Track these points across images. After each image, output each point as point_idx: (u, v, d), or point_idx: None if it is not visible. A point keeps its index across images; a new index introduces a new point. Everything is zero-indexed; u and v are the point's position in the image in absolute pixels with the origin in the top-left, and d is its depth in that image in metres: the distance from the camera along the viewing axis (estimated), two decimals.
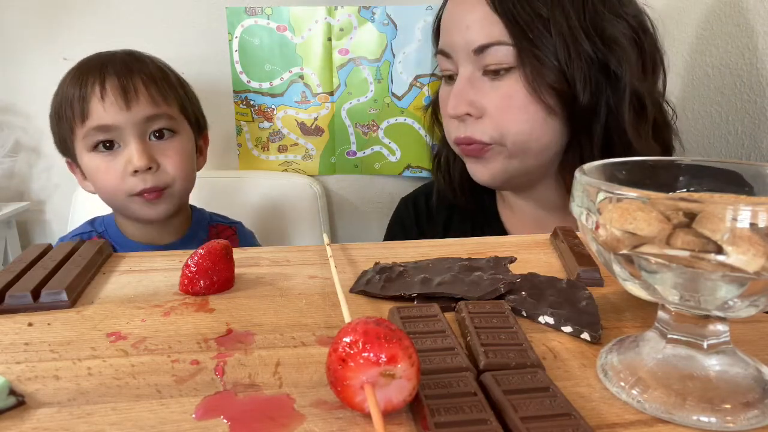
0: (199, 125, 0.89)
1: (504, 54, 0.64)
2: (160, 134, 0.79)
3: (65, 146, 0.82)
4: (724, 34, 0.78)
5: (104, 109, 0.75)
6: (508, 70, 0.65)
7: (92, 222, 0.91)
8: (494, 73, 0.66)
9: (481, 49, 0.65)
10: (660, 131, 0.69)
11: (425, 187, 0.90)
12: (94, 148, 0.78)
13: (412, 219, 0.87)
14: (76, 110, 0.76)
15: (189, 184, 0.85)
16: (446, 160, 0.81)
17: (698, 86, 0.84)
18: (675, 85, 0.89)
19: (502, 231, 0.81)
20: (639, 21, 0.66)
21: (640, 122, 0.65)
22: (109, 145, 0.78)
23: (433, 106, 0.82)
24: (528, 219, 0.78)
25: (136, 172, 0.77)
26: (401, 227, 0.88)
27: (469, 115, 0.68)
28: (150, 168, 0.77)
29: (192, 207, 0.94)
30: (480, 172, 0.71)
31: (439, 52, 0.72)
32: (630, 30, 0.65)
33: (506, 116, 0.66)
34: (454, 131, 0.71)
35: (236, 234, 0.95)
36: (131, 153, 0.77)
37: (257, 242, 1.00)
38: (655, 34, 0.69)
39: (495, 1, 0.64)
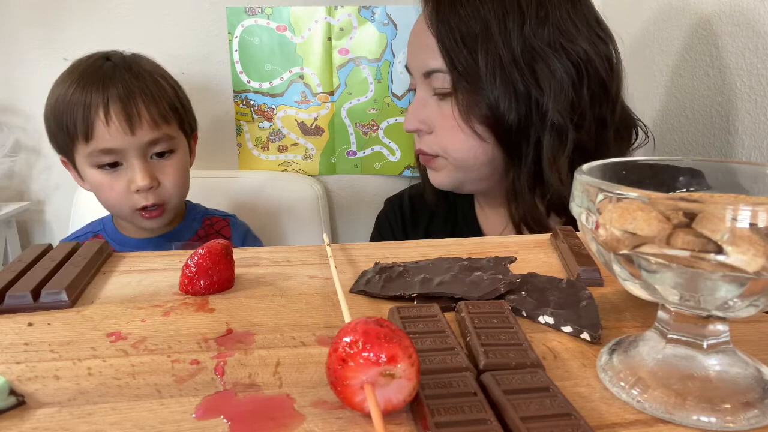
0: (191, 129, 0.92)
1: (443, 80, 0.69)
2: (160, 153, 0.84)
3: (64, 150, 0.85)
4: (724, 34, 0.78)
5: (109, 134, 0.79)
6: (450, 93, 0.69)
7: (92, 223, 0.95)
8: (441, 95, 0.71)
9: (427, 74, 0.71)
10: (591, 158, 0.69)
11: (410, 188, 0.93)
12: (100, 167, 0.82)
13: (398, 219, 0.90)
14: (80, 129, 0.79)
15: (185, 193, 0.90)
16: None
17: (698, 86, 0.84)
18: (675, 85, 0.89)
19: (478, 234, 0.83)
20: (584, 51, 0.66)
21: (558, 153, 0.67)
22: (113, 164, 0.81)
23: None
24: (499, 222, 0.81)
25: (138, 190, 0.81)
26: (388, 227, 0.91)
27: (421, 130, 0.74)
28: (152, 187, 0.82)
29: (187, 201, 0.97)
30: (433, 177, 0.78)
31: (406, 67, 0.78)
32: (568, 61, 0.65)
33: (447, 135, 0.71)
34: (415, 143, 0.78)
35: (229, 225, 0.97)
36: (134, 173, 0.81)
37: (253, 234, 1.01)
38: (613, 60, 0.69)
39: (435, 31, 0.68)
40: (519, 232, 0.73)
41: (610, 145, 0.71)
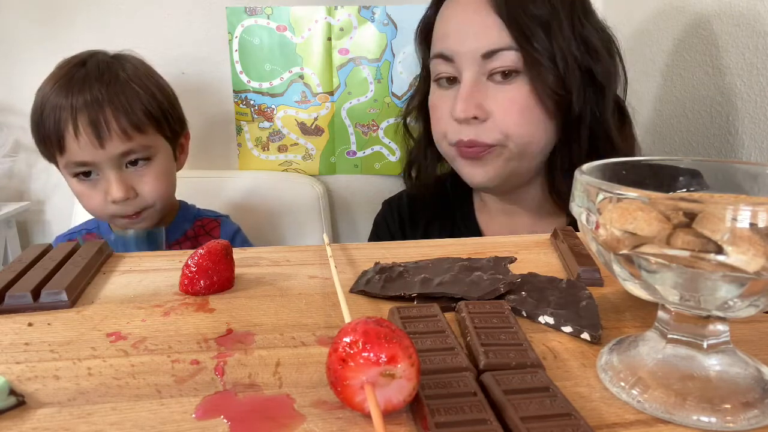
0: (176, 133, 0.90)
1: (512, 59, 0.67)
2: (135, 161, 0.82)
3: (48, 159, 0.85)
4: (724, 34, 0.78)
5: (79, 147, 0.78)
6: (516, 73, 0.68)
7: (88, 221, 0.95)
8: (503, 76, 0.68)
9: (488, 54, 0.67)
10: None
11: (408, 189, 0.92)
12: (76, 175, 0.82)
13: (396, 221, 0.89)
14: (54, 142, 0.79)
15: (169, 198, 0.88)
16: (423, 167, 0.84)
17: (698, 86, 0.84)
18: (675, 85, 0.89)
19: (478, 235, 0.82)
20: (609, 37, 0.72)
21: (624, 126, 0.71)
22: (88, 173, 0.81)
23: (407, 114, 0.85)
24: (505, 223, 0.81)
25: (114, 201, 0.80)
26: (386, 229, 0.90)
27: (475, 118, 0.69)
28: (128, 198, 0.81)
29: (181, 201, 0.96)
30: (477, 174, 0.72)
31: (438, 56, 0.72)
32: (604, 42, 0.71)
33: (511, 118, 0.68)
34: (454, 134, 0.71)
35: (219, 226, 0.97)
36: (109, 185, 0.80)
37: (243, 235, 1.00)
38: (616, 45, 0.75)
39: (500, 7, 0.66)
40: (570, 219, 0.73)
41: (631, 125, 0.76)
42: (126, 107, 0.80)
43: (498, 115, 0.68)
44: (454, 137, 0.71)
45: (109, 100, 0.79)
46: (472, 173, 0.73)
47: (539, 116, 0.68)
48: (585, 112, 0.69)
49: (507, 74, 0.68)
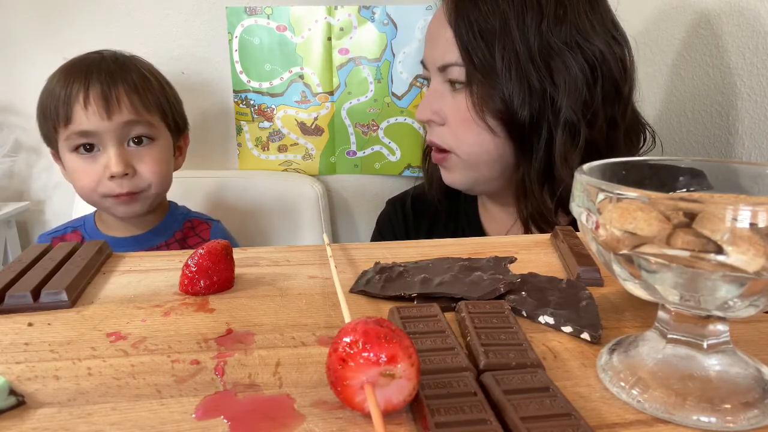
0: (178, 128, 0.91)
1: (459, 73, 0.70)
2: (138, 140, 0.83)
3: (49, 140, 0.86)
4: (724, 34, 0.78)
5: (86, 117, 0.79)
6: (463, 85, 0.70)
7: (74, 220, 0.95)
8: (455, 88, 0.71)
9: (443, 67, 0.71)
10: (601, 157, 0.69)
11: (412, 189, 0.93)
12: (75, 149, 0.82)
13: (400, 221, 0.90)
14: (61, 113, 0.79)
15: (164, 187, 0.88)
16: (430, 166, 0.87)
17: (698, 86, 0.84)
18: (675, 85, 0.89)
19: (482, 236, 0.82)
20: (599, 51, 0.66)
21: (570, 150, 0.67)
22: (89, 148, 0.81)
23: None
24: (506, 223, 0.81)
25: (112, 176, 0.80)
26: (390, 228, 0.91)
27: (433, 121, 0.74)
28: (126, 174, 0.81)
29: (170, 202, 0.96)
30: (446, 177, 0.78)
31: (422, 62, 0.78)
32: (584, 59, 0.66)
33: (460, 127, 0.71)
34: (427, 134, 0.78)
35: (209, 229, 0.96)
36: (109, 158, 0.80)
37: (235, 242, 0.99)
38: (627, 63, 0.70)
39: (454, 25, 0.69)
40: (527, 230, 0.73)
41: (620, 145, 0.71)
42: (138, 87, 0.82)
43: (451, 121, 0.72)
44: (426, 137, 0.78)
45: (123, 79, 0.81)
46: (443, 176, 0.78)
47: (482, 129, 0.69)
48: (540, 130, 0.67)
49: (457, 85, 0.70)
